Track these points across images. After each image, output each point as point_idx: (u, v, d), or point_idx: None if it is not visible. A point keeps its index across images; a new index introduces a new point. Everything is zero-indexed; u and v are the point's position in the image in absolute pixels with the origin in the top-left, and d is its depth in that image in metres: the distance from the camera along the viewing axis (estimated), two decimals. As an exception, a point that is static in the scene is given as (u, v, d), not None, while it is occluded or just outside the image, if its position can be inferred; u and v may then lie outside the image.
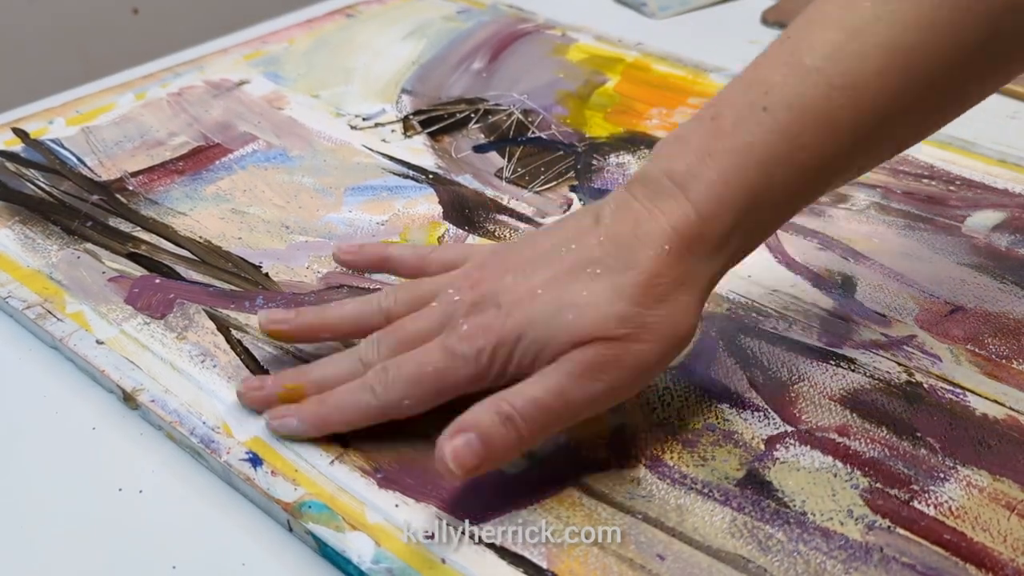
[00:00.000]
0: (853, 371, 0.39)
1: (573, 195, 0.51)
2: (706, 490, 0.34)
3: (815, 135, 0.33)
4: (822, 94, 0.33)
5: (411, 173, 0.53)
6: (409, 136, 0.57)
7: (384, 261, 0.42)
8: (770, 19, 0.72)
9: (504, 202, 0.51)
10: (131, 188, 0.52)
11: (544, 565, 0.32)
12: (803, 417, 0.37)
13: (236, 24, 0.73)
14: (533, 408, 0.33)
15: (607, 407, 0.35)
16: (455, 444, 0.32)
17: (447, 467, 0.32)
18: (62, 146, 0.55)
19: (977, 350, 0.40)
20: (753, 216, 0.34)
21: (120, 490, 0.36)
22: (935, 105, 0.35)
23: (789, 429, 0.37)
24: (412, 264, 0.41)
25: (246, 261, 0.46)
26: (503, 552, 0.32)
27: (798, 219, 0.49)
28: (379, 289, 0.44)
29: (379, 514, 0.34)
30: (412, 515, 0.34)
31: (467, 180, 0.53)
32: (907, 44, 0.33)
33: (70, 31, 1.20)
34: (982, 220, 0.49)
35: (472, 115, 0.59)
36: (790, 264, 0.46)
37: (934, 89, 0.34)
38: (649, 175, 0.35)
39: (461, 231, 0.48)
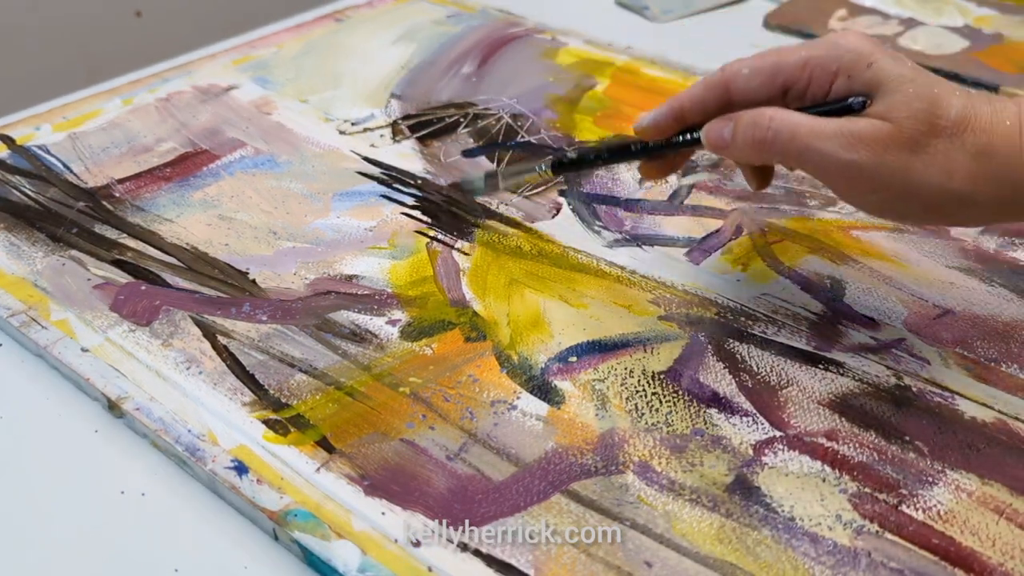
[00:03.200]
0: (842, 375, 0.39)
1: (562, 200, 0.51)
2: (694, 496, 0.34)
3: None
4: None
5: (400, 178, 0.53)
6: (398, 141, 0.57)
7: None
8: (772, 23, 0.72)
9: (493, 207, 0.50)
10: (118, 195, 0.51)
11: (531, 573, 0.32)
12: (792, 422, 0.37)
13: (240, 26, 0.72)
14: None
15: None
16: None
17: None
18: (48, 152, 0.55)
19: (966, 353, 0.40)
20: None
21: (122, 493, 0.36)
22: None
23: (778, 434, 0.37)
24: None
25: (233, 267, 0.46)
26: (490, 560, 0.32)
27: (788, 224, 0.49)
28: (369, 296, 0.44)
29: (365, 522, 0.33)
30: (398, 523, 0.33)
31: (456, 185, 0.52)
32: None
33: (72, 34, 1.20)
34: (971, 223, 0.48)
35: (462, 119, 0.59)
36: (779, 268, 0.46)
37: None
38: None
39: (449, 236, 0.48)
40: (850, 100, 0.36)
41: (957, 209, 0.36)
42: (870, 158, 0.35)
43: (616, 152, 0.41)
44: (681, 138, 0.39)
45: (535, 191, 0.39)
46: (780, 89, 0.38)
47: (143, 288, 0.45)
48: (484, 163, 0.54)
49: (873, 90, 0.36)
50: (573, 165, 0.41)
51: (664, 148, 0.40)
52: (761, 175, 0.42)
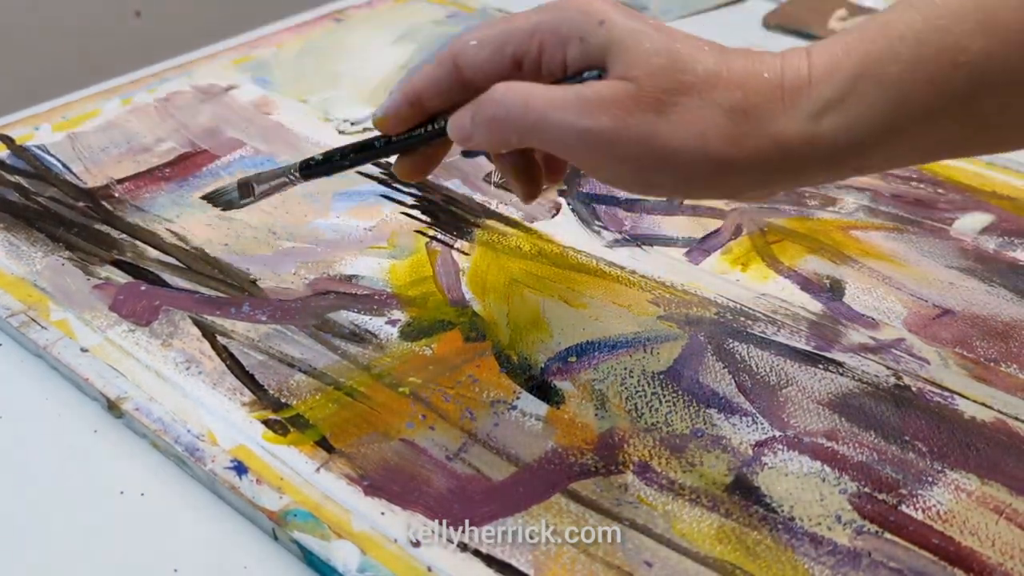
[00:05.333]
0: (841, 375, 0.39)
1: (561, 200, 0.51)
2: (694, 496, 0.34)
3: (965, 22, 0.30)
4: None
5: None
6: (397, 141, 0.57)
7: None
8: (771, 23, 0.72)
9: (492, 207, 0.50)
10: (117, 195, 0.51)
11: (531, 573, 0.32)
12: (791, 422, 0.37)
13: (240, 26, 0.72)
14: None
15: None
16: None
17: None
18: (48, 152, 0.55)
19: (965, 353, 0.40)
20: (866, 90, 0.30)
21: (122, 493, 0.36)
22: None
23: (777, 434, 0.37)
24: None
25: (233, 267, 0.46)
26: (490, 560, 0.32)
27: (787, 223, 0.49)
28: (369, 296, 0.44)
29: (365, 522, 0.33)
30: (398, 523, 0.33)
31: (455, 185, 0.52)
32: None
33: (72, 34, 1.19)
34: (970, 223, 0.49)
35: (461, 120, 0.58)
36: (778, 268, 0.46)
37: None
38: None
39: (448, 236, 0.48)
40: (584, 75, 0.33)
41: (717, 177, 0.32)
42: (611, 124, 0.31)
43: (361, 150, 0.38)
44: (424, 130, 0.36)
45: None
46: (512, 61, 0.34)
47: (143, 288, 0.44)
48: (483, 163, 0.54)
49: (609, 51, 0.32)
50: (321, 167, 0.39)
51: (409, 142, 0.36)
52: (527, 177, 0.38)
